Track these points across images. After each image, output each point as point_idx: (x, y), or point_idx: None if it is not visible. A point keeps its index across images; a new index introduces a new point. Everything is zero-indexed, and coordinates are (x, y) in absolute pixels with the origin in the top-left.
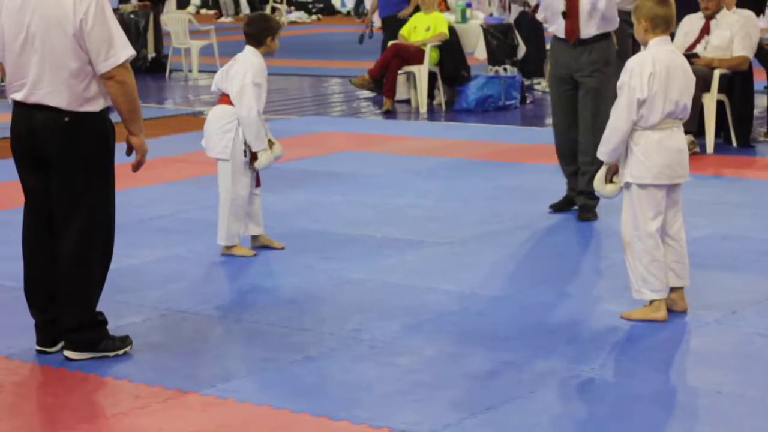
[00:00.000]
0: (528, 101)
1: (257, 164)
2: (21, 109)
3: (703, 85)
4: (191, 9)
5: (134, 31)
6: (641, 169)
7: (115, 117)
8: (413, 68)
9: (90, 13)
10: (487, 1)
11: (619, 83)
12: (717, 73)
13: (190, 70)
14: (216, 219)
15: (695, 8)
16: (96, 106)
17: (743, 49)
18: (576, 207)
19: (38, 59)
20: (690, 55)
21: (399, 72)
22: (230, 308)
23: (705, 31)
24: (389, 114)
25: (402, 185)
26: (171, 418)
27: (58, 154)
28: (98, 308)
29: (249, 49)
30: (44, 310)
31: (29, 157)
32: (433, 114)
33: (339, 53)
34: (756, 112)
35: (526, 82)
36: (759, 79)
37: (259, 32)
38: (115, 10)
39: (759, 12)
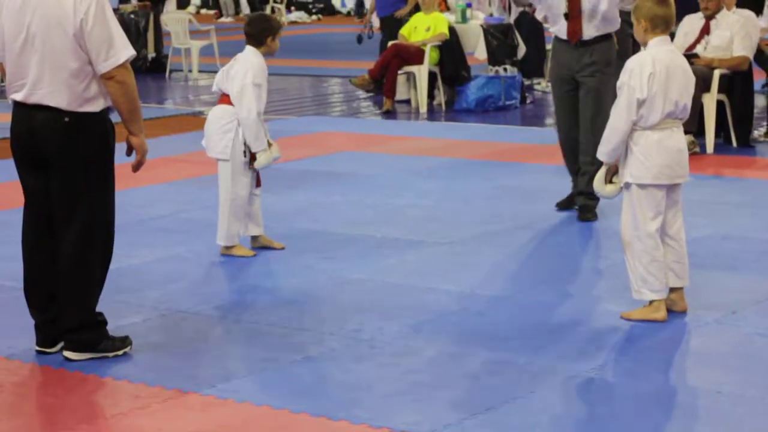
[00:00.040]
0: (528, 101)
1: (256, 164)
2: (21, 109)
3: (703, 85)
4: (191, 9)
5: (134, 31)
6: (641, 169)
7: (115, 117)
8: (413, 68)
9: (90, 13)
10: (487, 1)
11: (618, 83)
12: (717, 73)
13: (190, 70)
14: (216, 219)
15: (695, 8)
16: (96, 107)
17: (743, 49)
18: (577, 206)
19: (38, 59)
20: (690, 55)
21: (399, 72)
22: (230, 308)
23: (705, 31)
24: (389, 114)
25: (402, 185)
26: (171, 419)
27: (58, 154)
28: (98, 308)
29: (249, 49)
30: (44, 310)
31: (29, 158)
32: (433, 114)
33: (339, 53)
34: (755, 111)
35: (526, 82)
36: (759, 79)
37: (260, 32)
38: (115, 10)
39: (758, 12)
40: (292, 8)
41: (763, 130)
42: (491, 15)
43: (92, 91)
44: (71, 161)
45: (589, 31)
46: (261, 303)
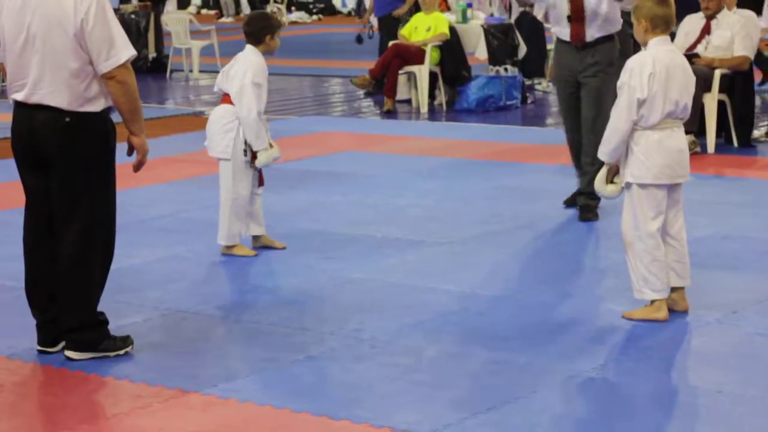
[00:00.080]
0: (529, 101)
1: (257, 162)
2: (22, 109)
3: (704, 85)
4: (192, 9)
5: (135, 31)
6: (641, 169)
7: (115, 117)
8: (414, 68)
9: (91, 13)
10: (487, 1)
11: (619, 83)
12: (718, 73)
13: (191, 70)
14: (216, 219)
15: (696, 8)
16: (97, 106)
17: (744, 49)
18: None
19: (39, 59)
20: (691, 55)
21: (400, 72)
22: (231, 308)
23: (706, 31)
24: (390, 114)
25: (402, 185)
26: (172, 418)
27: (58, 154)
28: (99, 308)
29: (249, 48)
30: (45, 310)
31: (30, 158)
32: (433, 114)
33: (339, 53)
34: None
35: (527, 82)
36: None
37: (258, 30)
38: (116, 10)
39: (757, 12)
40: (293, 8)
41: (763, 129)
42: (492, 15)
43: (93, 91)
44: (72, 161)
45: (591, 33)
46: (262, 303)
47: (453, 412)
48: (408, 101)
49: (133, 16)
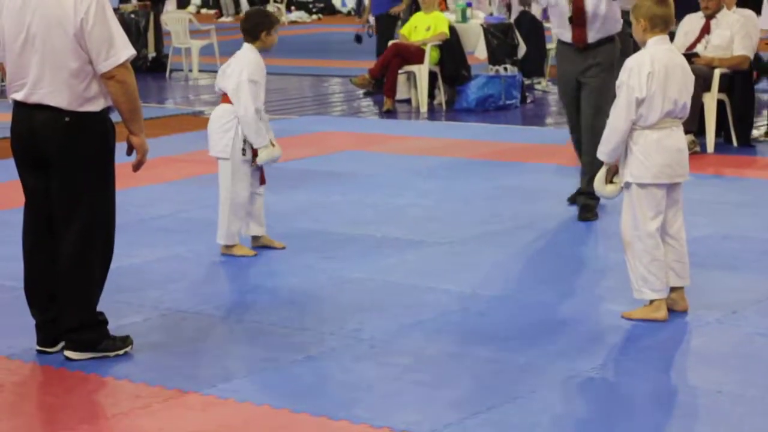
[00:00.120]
0: (528, 101)
1: (258, 160)
2: (21, 109)
3: (703, 84)
4: (191, 9)
5: (134, 31)
6: (641, 169)
7: (115, 117)
8: (414, 68)
9: (90, 12)
10: (487, 1)
11: (617, 83)
12: (717, 72)
13: (191, 70)
14: (216, 218)
15: (695, 8)
16: (96, 106)
17: (743, 48)
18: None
19: (39, 59)
20: (690, 55)
21: (399, 71)
22: (231, 308)
23: (705, 30)
24: (390, 114)
25: (402, 185)
26: (171, 418)
27: (58, 154)
28: (99, 308)
29: (246, 46)
30: (44, 310)
31: (29, 157)
32: (433, 113)
33: (339, 53)
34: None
35: (527, 82)
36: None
37: (254, 27)
38: (116, 10)
39: (756, 12)
40: (293, 8)
41: (763, 129)
42: (491, 14)
43: (93, 91)
44: (71, 161)
45: (593, 35)
46: (261, 302)
47: (453, 412)
48: (408, 101)
49: (132, 15)
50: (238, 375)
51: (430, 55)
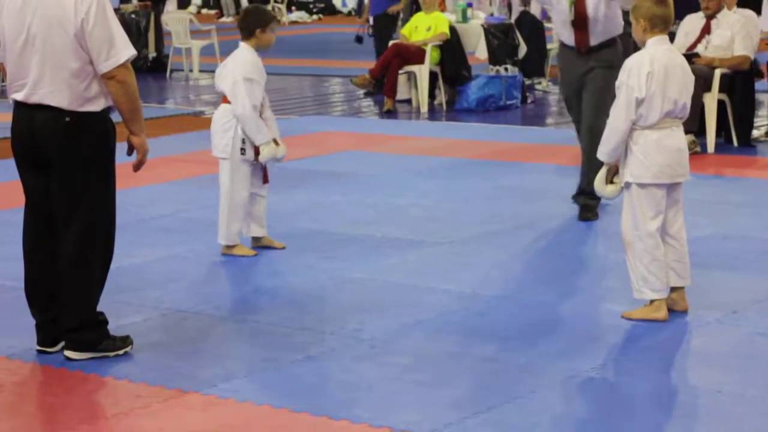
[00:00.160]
0: (529, 101)
1: (260, 157)
2: (22, 109)
3: (704, 84)
4: (192, 9)
5: (135, 31)
6: (641, 169)
7: (115, 117)
8: (414, 68)
9: (91, 12)
10: (488, 1)
11: (617, 83)
12: (718, 72)
13: (191, 70)
14: (217, 218)
15: (696, 8)
16: (97, 106)
17: (744, 48)
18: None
19: (39, 59)
20: (691, 55)
21: (400, 72)
22: (231, 308)
23: (706, 30)
24: (390, 114)
25: (402, 185)
26: (172, 418)
27: (58, 154)
28: (99, 308)
29: (242, 45)
30: (45, 309)
31: (30, 157)
32: (433, 114)
33: (340, 53)
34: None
35: (527, 82)
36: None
37: (249, 24)
38: (116, 10)
39: (756, 12)
40: (293, 8)
41: (763, 129)
42: (492, 14)
43: (93, 91)
44: (72, 161)
45: (595, 39)
46: (262, 302)
47: (453, 411)
48: (408, 101)
49: (133, 15)
50: (238, 375)
51: (431, 56)
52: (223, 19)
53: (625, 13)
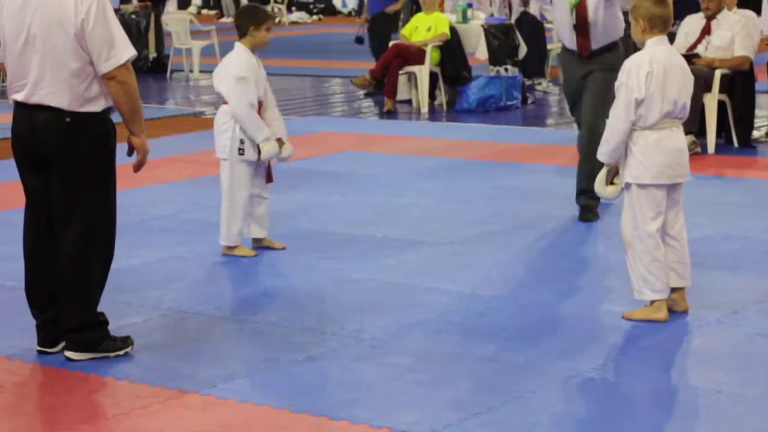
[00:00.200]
0: (529, 101)
1: (262, 155)
2: (22, 109)
3: (704, 85)
4: (192, 9)
5: (135, 32)
6: (640, 169)
7: (116, 117)
8: (414, 68)
9: (91, 13)
10: (488, 1)
11: (616, 83)
12: (718, 73)
13: (191, 71)
14: (216, 219)
15: (696, 8)
16: (97, 107)
17: (744, 49)
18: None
19: (39, 59)
20: (691, 55)
21: (400, 72)
22: (231, 308)
23: (706, 31)
24: (390, 114)
25: (403, 185)
26: (172, 418)
27: (59, 154)
28: (99, 308)
29: (236, 45)
30: (45, 310)
31: (30, 158)
32: (434, 114)
33: (340, 53)
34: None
35: (527, 83)
36: (760, 80)
37: (243, 22)
38: (116, 11)
39: (756, 12)
40: (293, 8)
41: (763, 130)
42: (492, 15)
43: (93, 92)
44: (72, 161)
45: (596, 43)
46: (262, 303)
47: (453, 412)
48: (408, 101)
49: (133, 16)
50: (238, 375)
51: (431, 56)
52: (224, 20)
53: (625, 14)
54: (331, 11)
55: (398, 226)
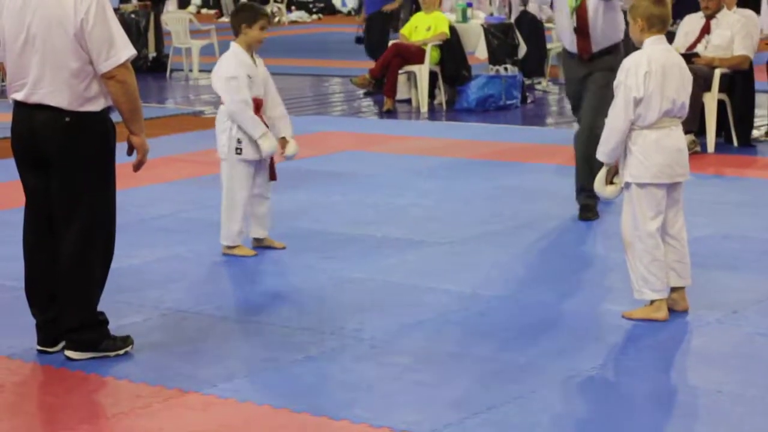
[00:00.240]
0: (529, 101)
1: (262, 151)
2: (22, 109)
3: (704, 84)
4: (192, 9)
5: (135, 31)
6: (640, 169)
7: (115, 117)
8: (414, 68)
9: (91, 12)
10: (487, 1)
11: (615, 83)
12: (718, 72)
13: (191, 70)
14: (216, 219)
15: (696, 8)
16: (97, 106)
17: (744, 48)
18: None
19: (39, 59)
20: (690, 55)
21: (400, 72)
22: (231, 308)
23: (705, 30)
24: (390, 114)
25: (402, 185)
26: (172, 418)
27: (58, 154)
28: (99, 308)
29: (231, 45)
30: (45, 309)
31: (30, 157)
32: (433, 113)
33: (339, 53)
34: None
35: (527, 82)
36: (760, 79)
37: (236, 21)
38: (116, 10)
39: (756, 12)
40: (293, 8)
41: (763, 129)
42: (492, 14)
43: (93, 91)
44: (72, 161)
45: (597, 45)
46: (262, 302)
47: (453, 411)
48: (408, 101)
49: (133, 15)
50: (238, 375)
51: (431, 55)
52: (223, 19)
53: (626, 13)
54: (330, 10)
55: (398, 225)
